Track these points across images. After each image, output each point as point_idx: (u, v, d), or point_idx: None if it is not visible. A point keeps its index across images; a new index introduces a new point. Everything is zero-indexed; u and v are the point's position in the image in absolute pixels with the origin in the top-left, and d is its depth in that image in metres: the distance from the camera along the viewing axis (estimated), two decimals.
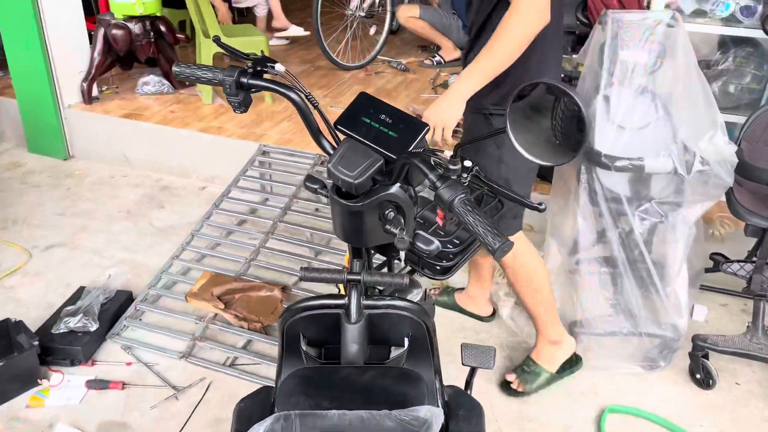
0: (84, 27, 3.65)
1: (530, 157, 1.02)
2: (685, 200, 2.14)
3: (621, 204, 2.13)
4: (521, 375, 2.13)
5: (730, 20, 2.61)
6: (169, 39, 3.79)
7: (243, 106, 1.27)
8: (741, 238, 2.30)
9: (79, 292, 2.46)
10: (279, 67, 1.26)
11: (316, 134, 1.29)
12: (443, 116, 1.62)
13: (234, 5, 5.24)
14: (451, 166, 1.10)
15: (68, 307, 2.33)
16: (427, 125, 1.20)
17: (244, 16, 5.67)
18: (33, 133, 3.65)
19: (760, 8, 2.54)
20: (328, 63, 4.48)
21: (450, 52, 4.66)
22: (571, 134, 0.99)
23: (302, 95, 1.25)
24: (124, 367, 2.22)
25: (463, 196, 1.01)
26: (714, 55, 2.80)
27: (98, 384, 2.13)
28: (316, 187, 1.39)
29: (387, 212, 1.21)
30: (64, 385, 2.13)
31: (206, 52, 3.69)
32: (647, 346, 2.22)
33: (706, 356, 2.18)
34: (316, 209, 2.97)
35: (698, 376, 2.19)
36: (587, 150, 2.10)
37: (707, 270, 2.44)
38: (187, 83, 3.93)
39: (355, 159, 1.17)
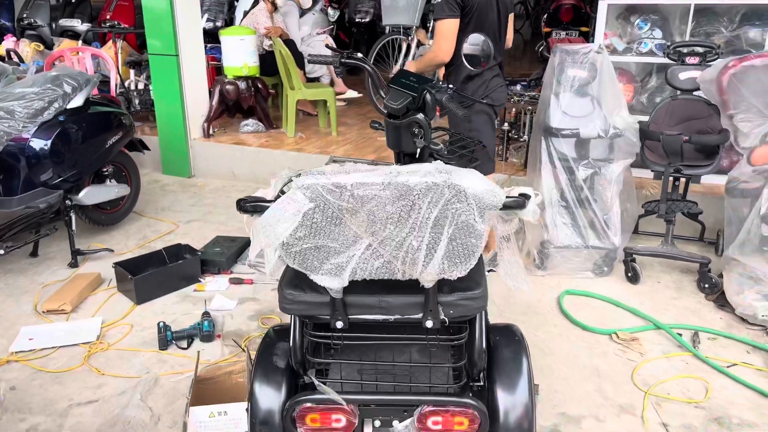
0: (206, 85, 5.14)
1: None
2: (613, 158, 3.32)
3: (569, 162, 3.31)
4: None
5: (650, 54, 3.86)
6: (264, 93, 5.26)
7: (341, 74, 2.57)
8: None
9: (215, 239, 3.72)
10: (358, 54, 2.56)
11: (377, 88, 2.56)
12: None
13: (307, 76, 6.76)
14: (442, 84, 2.34)
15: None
16: (431, 79, 2.45)
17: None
18: (167, 159, 5.08)
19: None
20: (378, 115, 5.85)
21: None
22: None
23: (371, 68, 2.53)
24: (250, 275, 3.42)
25: (447, 96, 2.25)
26: (644, 77, 4.03)
27: (237, 280, 3.34)
28: (376, 126, 2.64)
29: (414, 129, 2.44)
30: (214, 282, 3.35)
31: (291, 100, 5.11)
32: (595, 256, 3.31)
33: (633, 260, 3.26)
34: None
35: (629, 274, 3.26)
36: (545, 126, 3.31)
37: (641, 216, 3.55)
38: (274, 125, 5.34)
39: (396, 97, 2.41)
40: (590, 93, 3.43)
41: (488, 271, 1.97)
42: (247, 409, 1.80)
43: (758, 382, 2.49)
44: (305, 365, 1.78)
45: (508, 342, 1.88)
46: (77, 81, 3.33)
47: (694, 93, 3.34)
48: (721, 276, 3.09)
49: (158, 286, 3.18)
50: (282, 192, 1.57)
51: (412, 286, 1.60)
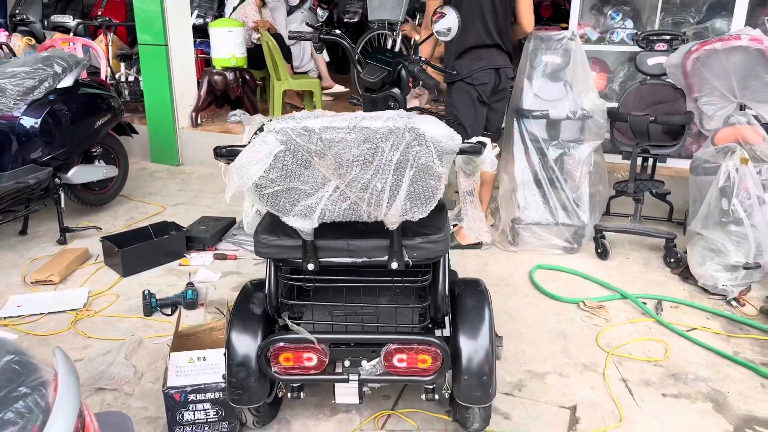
0: (194, 76, 5.26)
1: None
2: (583, 139, 3.45)
3: (540, 143, 3.45)
4: None
5: (622, 43, 4.01)
6: (251, 84, 5.38)
7: (320, 50, 2.69)
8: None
9: (201, 219, 3.82)
10: (336, 31, 2.68)
11: (354, 63, 2.68)
12: None
13: (294, 70, 6.89)
14: (414, 58, 2.47)
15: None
16: (407, 55, 2.58)
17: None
18: (156, 147, 5.18)
19: None
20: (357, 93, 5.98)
21: None
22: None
23: (349, 44, 2.65)
24: (234, 252, 3.53)
25: (418, 68, 2.38)
26: (617, 65, 4.18)
27: (220, 256, 3.44)
28: (354, 101, 2.76)
29: (390, 103, 2.56)
30: (199, 257, 3.45)
31: (278, 90, 5.24)
32: (564, 233, 3.44)
33: (603, 237, 3.39)
34: None
35: (599, 251, 3.39)
36: (518, 108, 3.45)
37: (612, 197, 3.69)
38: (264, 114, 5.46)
39: (373, 71, 2.54)
40: (563, 78, 3.56)
41: (453, 225, 2.10)
42: (224, 354, 1.91)
43: (715, 344, 2.62)
44: (279, 309, 1.90)
45: (472, 292, 2.00)
46: (67, 62, 3.44)
47: (663, 78, 3.48)
48: (686, 252, 3.23)
49: (144, 259, 3.28)
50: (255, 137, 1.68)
51: (378, 231, 1.72)
